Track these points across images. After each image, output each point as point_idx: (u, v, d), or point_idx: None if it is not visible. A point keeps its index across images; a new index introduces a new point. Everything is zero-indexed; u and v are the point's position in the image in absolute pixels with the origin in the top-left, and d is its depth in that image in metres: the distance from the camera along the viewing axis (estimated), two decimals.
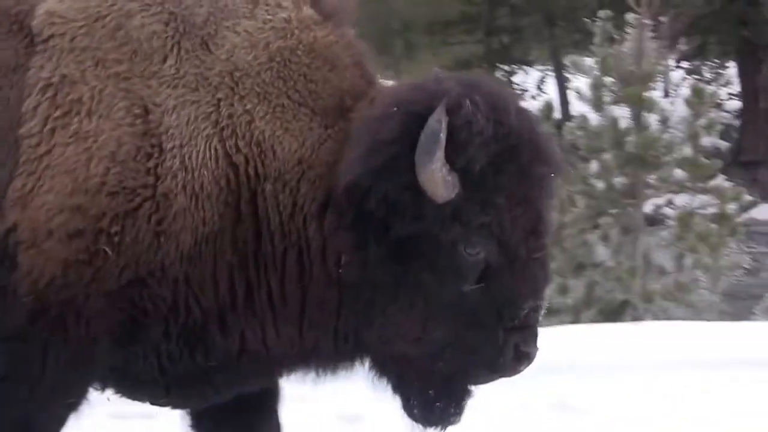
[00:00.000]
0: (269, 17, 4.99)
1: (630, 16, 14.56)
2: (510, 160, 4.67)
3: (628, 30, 14.70)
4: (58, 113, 4.74)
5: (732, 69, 34.32)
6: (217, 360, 5.00)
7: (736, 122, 32.75)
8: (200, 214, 4.73)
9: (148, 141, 4.75)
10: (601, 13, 15.41)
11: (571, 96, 25.79)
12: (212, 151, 4.75)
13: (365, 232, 4.69)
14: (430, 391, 4.94)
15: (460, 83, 4.81)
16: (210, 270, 4.76)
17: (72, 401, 4.98)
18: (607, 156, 15.81)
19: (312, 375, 5.24)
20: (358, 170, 4.60)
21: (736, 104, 33.05)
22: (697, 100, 17.59)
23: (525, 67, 35.02)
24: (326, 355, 5.14)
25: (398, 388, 5.03)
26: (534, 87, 34.04)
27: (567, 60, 21.12)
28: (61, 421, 4.98)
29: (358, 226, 4.69)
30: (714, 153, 18.32)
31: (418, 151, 4.46)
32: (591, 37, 15.43)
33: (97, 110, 4.74)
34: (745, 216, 21.09)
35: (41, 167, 4.70)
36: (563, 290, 15.70)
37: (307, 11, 5.08)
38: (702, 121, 17.41)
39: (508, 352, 4.79)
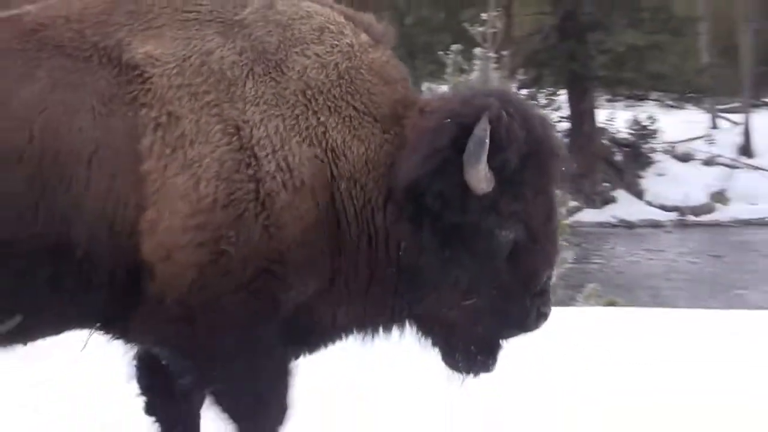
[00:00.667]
0: (336, 42, 5.37)
1: (477, 50, 15.34)
2: (534, 160, 5.15)
3: (476, 62, 15.42)
4: (168, 151, 4.99)
5: (563, 96, 37.68)
6: (310, 331, 5.54)
7: (566, 141, 34.65)
8: (300, 208, 5.08)
9: (245, 153, 5.05)
10: (454, 47, 16.16)
11: None
12: (305, 154, 5.12)
13: (421, 222, 5.11)
14: (472, 347, 5.47)
15: (498, 98, 5.24)
16: (312, 255, 5.16)
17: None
18: None
19: (365, 338, 5.69)
20: (419, 172, 4.99)
21: (565, 125, 35.90)
22: None
23: None
24: (382, 325, 5.64)
25: (445, 347, 5.55)
26: None
27: (424, 87, 22.29)
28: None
29: (416, 218, 5.12)
30: None
31: (466, 155, 4.88)
32: (444, 68, 16.30)
33: (197, 139, 5.01)
34: (571, 219, 25.14)
35: (161, 198, 4.95)
36: None
37: (364, 37, 5.52)
38: None
39: (533, 313, 5.37)
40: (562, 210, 18.33)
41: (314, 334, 5.59)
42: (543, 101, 37.22)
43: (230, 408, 5.41)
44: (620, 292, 21.32)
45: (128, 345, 5.45)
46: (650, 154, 37.91)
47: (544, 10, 38.22)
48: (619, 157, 37.92)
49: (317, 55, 5.28)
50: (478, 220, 5.06)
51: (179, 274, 4.95)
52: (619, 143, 38.03)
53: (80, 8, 5.32)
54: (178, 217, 4.89)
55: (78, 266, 5.01)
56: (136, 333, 5.25)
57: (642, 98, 37.84)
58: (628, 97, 38.10)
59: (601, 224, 34.66)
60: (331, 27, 5.49)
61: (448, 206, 5.04)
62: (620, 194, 36.40)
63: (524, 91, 36.06)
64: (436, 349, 5.60)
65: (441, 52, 15.95)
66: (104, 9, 5.31)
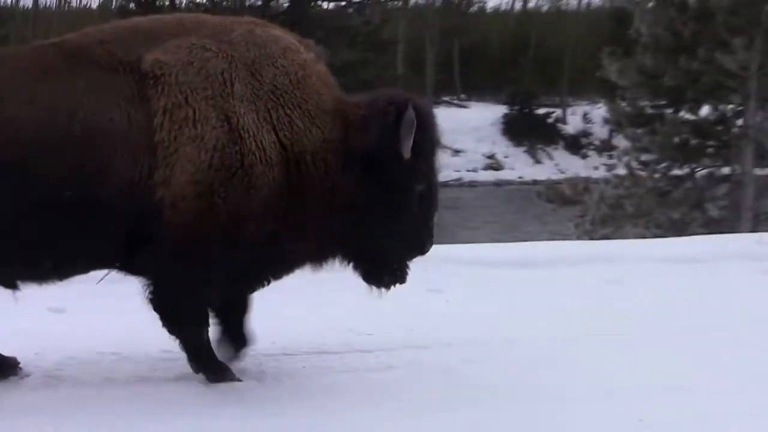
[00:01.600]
0: (295, 58, 6.66)
1: None
2: (429, 137, 6.61)
3: None
4: (176, 127, 6.27)
5: None
6: (276, 261, 6.82)
7: None
8: (271, 175, 6.41)
9: (233, 135, 6.34)
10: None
11: None
12: (273, 138, 6.42)
13: (368, 180, 6.52)
14: (394, 266, 6.96)
15: (410, 95, 6.71)
16: (279, 207, 6.42)
17: (213, 290, 6.62)
18: None
19: (311, 269, 7.00)
20: (376, 142, 6.40)
21: None
22: None
23: None
24: (327, 257, 6.95)
25: (372, 270, 6.96)
26: None
27: None
28: (207, 302, 6.74)
29: (365, 177, 6.52)
30: None
31: (401, 131, 6.32)
32: None
33: (199, 121, 6.30)
34: None
35: (173, 160, 6.26)
36: None
37: (312, 54, 6.83)
38: None
39: (428, 240, 6.96)
40: None
41: (282, 263, 6.91)
42: None
43: (188, 309, 6.64)
44: None
45: (137, 276, 6.65)
46: None
47: None
48: None
49: (283, 66, 6.68)
50: (403, 178, 6.59)
51: (181, 217, 6.30)
52: None
53: (109, 34, 6.75)
54: (184, 175, 6.26)
55: (106, 217, 6.30)
56: (146, 263, 6.47)
57: None
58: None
59: None
60: (292, 47, 6.85)
61: (387, 167, 6.55)
62: None
63: None
64: (362, 273, 7.00)
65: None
66: (128, 34, 6.76)
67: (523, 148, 50.44)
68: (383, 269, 6.93)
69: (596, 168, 33.39)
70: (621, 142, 22.13)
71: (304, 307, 8.19)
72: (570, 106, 55.63)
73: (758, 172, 18.62)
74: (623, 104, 20.10)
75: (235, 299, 7.03)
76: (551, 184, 22.58)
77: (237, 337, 7.02)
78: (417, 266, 7.02)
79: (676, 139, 18.50)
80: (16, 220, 6.16)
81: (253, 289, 7.07)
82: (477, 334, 7.80)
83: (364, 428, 5.86)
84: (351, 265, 6.96)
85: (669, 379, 6.74)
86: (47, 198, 6.13)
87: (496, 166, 47.88)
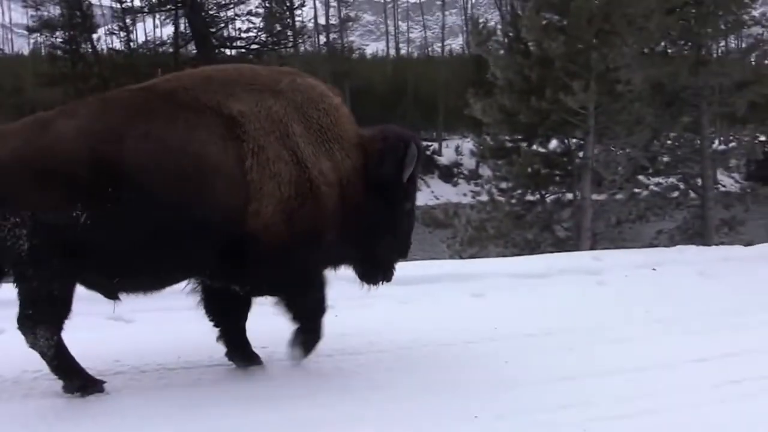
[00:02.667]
0: (331, 102, 7.13)
1: None
2: (417, 167, 7.31)
3: None
4: (261, 167, 6.59)
5: None
6: (329, 264, 7.32)
7: None
8: (334, 194, 6.90)
9: (300, 167, 6.71)
10: None
11: None
12: (329, 164, 6.84)
13: (376, 198, 7.13)
14: (387, 268, 7.62)
15: (410, 133, 7.52)
16: (335, 221, 6.89)
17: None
18: None
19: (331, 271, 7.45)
20: (391, 171, 7.11)
21: None
22: None
23: None
24: (346, 261, 7.46)
25: (369, 270, 7.58)
26: None
27: None
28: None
29: (378, 197, 7.15)
30: None
31: (406, 162, 7.11)
32: None
33: (275, 159, 6.65)
34: None
35: (261, 195, 6.58)
36: None
37: (339, 99, 7.36)
38: None
39: (408, 247, 7.73)
40: None
41: (331, 265, 7.37)
42: None
43: (296, 308, 7.15)
44: None
45: (222, 284, 6.97)
46: None
47: None
48: None
49: (324, 108, 7.11)
50: (401, 198, 7.39)
51: (271, 237, 6.66)
52: None
53: (190, 82, 6.93)
54: (270, 207, 6.63)
55: (209, 237, 6.58)
56: (238, 274, 6.79)
57: None
58: None
59: None
60: (325, 92, 7.28)
61: (391, 189, 7.25)
62: None
63: None
64: (360, 272, 7.61)
65: None
66: (204, 82, 6.93)
67: None
68: (378, 270, 7.61)
69: (465, 194, 33.38)
70: (485, 171, 22.35)
71: None
72: (445, 139, 56.77)
73: (595, 197, 19.02)
74: (487, 138, 20.31)
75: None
76: (427, 210, 22.65)
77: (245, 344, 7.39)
78: None
79: (530, 169, 18.82)
80: (137, 240, 6.31)
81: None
82: (356, 345, 7.91)
83: None
84: (352, 266, 7.57)
85: (504, 375, 7.18)
86: (163, 220, 6.32)
87: None
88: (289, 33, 53.27)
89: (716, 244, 17.50)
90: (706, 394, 6.74)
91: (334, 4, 64.46)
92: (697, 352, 7.79)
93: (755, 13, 21.44)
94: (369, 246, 7.42)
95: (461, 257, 17.68)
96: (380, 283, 7.71)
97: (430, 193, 49.20)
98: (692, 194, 20.01)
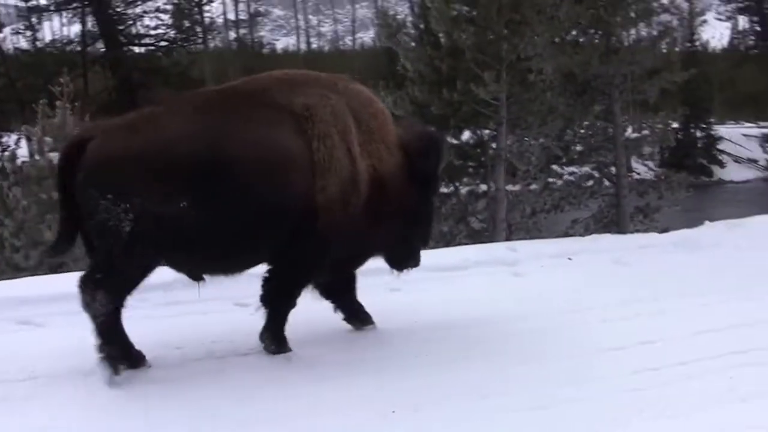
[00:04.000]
0: (378, 106, 7.97)
1: (58, 103, 15.92)
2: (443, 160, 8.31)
3: (58, 110, 15.73)
4: (325, 152, 7.38)
5: None
6: (369, 248, 8.13)
7: None
8: (367, 189, 7.58)
9: (352, 159, 7.48)
10: (41, 101, 16.52)
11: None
12: (368, 163, 7.58)
13: (416, 190, 7.97)
14: (416, 254, 8.50)
15: (437, 131, 9.15)
16: (370, 207, 7.57)
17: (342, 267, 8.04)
18: None
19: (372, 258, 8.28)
20: (434, 167, 8.05)
21: None
22: None
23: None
24: (383, 249, 8.27)
25: (400, 257, 8.43)
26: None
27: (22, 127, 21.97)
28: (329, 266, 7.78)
29: (418, 190, 8.01)
30: None
31: (440, 157, 8.14)
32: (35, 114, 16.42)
33: (336, 148, 7.45)
34: None
35: (325, 176, 7.34)
36: None
37: (381, 103, 8.18)
38: None
39: (430, 234, 8.70)
40: None
41: (371, 249, 8.17)
42: None
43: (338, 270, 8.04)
44: None
45: (277, 264, 7.62)
46: None
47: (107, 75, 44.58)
48: None
49: (371, 112, 7.93)
50: (432, 190, 8.33)
51: (331, 214, 7.41)
52: None
53: (265, 83, 7.73)
54: (334, 186, 7.41)
55: (284, 219, 7.32)
56: (297, 250, 7.47)
57: None
58: None
59: None
60: (372, 97, 8.16)
61: (431, 183, 8.20)
62: None
63: None
64: (391, 259, 8.44)
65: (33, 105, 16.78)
66: (276, 83, 7.73)
67: None
68: (409, 256, 8.45)
69: None
70: None
71: None
72: None
73: (509, 188, 19.04)
74: None
75: (348, 277, 8.42)
76: None
77: (358, 312, 8.43)
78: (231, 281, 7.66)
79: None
80: (229, 225, 7.01)
81: (356, 267, 8.35)
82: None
83: None
84: (384, 253, 8.36)
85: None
86: (250, 205, 7.03)
87: None
88: (198, 29, 53.47)
89: (631, 232, 17.79)
90: (625, 381, 6.78)
91: None
92: (615, 340, 7.83)
93: (664, 1, 21.66)
94: (403, 234, 8.19)
95: None
96: (410, 269, 8.58)
97: None
98: (606, 183, 20.16)
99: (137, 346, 7.19)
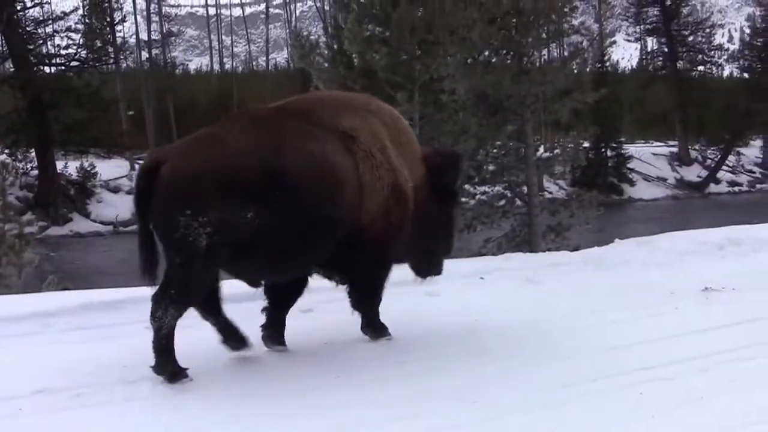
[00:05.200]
0: (403, 124, 8.73)
1: None
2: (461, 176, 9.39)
3: None
4: (369, 171, 8.01)
5: (33, 153, 43.98)
6: (404, 255, 8.77)
7: (37, 183, 42.75)
8: (411, 198, 8.31)
9: (393, 173, 8.14)
10: None
11: None
12: (407, 174, 8.28)
13: (439, 204, 8.68)
14: (439, 263, 9.16)
15: (457, 150, 10.31)
16: (410, 216, 8.31)
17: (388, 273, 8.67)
18: None
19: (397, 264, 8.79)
20: (453, 181, 8.82)
21: (36, 173, 43.19)
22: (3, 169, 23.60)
23: None
24: (405, 257, 8.84)
25: (423, 265, 9.09)
26: None
27: None
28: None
29: (439, 202, 8.69)
30: None
31: (459, 172, 8.98)
32: None
33: (378, 165, 8.09)
34: (43, 234, 33.57)
35: (370, 194, 8.00)
36: None
37: (406, 121, 9.07)
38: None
39: (453, 246, 9.26)
40: (35, 228, 24.04)
41: (406, 255, 8.79)
42: (20, 156, 43.77)
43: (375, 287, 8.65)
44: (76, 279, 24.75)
45: (327, 271, 8.45)
46: (93, 189, 44.71)
47: (17, 96, 43.63)
48: (72, 191, 43.97)
49: (401, 129, 8.70)
50: (453, 203, 9.05)
51: (376, 227, 8.12)
52: (73, 182, 44.46)
53: (311, 104, 8.31)
54: (375, 204, 8.07)
55: (336, 230, 7.91)
56: (345, 262, 8.23)
57: (85, 152, 44.87)
58: (77, 152, 44.88)
59: (63, 236, 40.81)
60: (400, 116, 8.95)
61: (451, 196, 8.93)
62: (75, 215, 43.05)
63: (6, 150, 42.89)
64: (416, 266, 9.12)
65: None
66: (320, 105, 8.34)
67: None
68: (432, 265, 9.11)
69: None
70: None
71: None
72: None
73: None
74: None
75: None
76: None
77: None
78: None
79: None
80: (287, 235, 7.50)
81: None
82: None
83: None
84: (410, 262, 9.00)
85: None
86: (307, 217, 7.55)
87: None
88: (110, 49, 52.24)
89: (543, 251, 17.90)
90: (537, 397, 6.85)
91: (156, 19, 63.41)
92: (527, 358, 7.92)
93: (575, 22, 22.01)
94: (427, 243, 8.84)
95: None
96: (431, 276, 9.24)
97: None
98: (518, 202, 20.34)
99: (46, 374, 7.18)
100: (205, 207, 7.12)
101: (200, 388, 7.26)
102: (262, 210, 7.31)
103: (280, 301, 8.46)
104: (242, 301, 8.64)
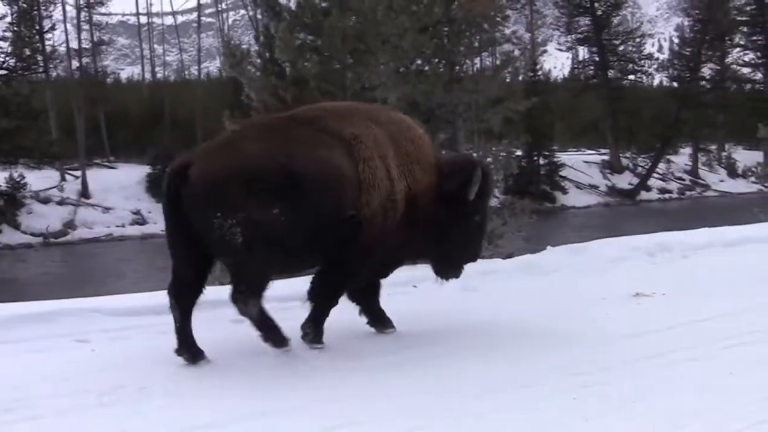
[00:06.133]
0: (416, 132, 9.20)
1: None
2: (488, 187, 9.32)
3: None
4: (369, 172, 8.53)
5: None
6: (401, 256, 9.34)
7: None
8: (403, 205, 8.75)
9: (390, 179, 8.64)
10: None
11: None
12: (405, 183, 8.74)
13: (449, 210, 9.00)
14: (458, 266, 9.62)
15: (478, 160, 9.99)
16: (405, 224, 8.74)
17: (378, 272, 9.26)
18: None
19: (409, 264, 9.86)
20: (456, 189, 8.95)
21: None
22: None
23: None
24: (419, 257, 9.60)
25: (443, 267, 9.59)
26: None
27: None
28: (381, 272, 9.32)
29: (448, 208, 9.01)
30: None
31: (472, 182, 8.95)
32: None
33: (377, 168, 8.61)
34: None
35: (369, 192, 8.50)
36: None
37: (421, 129, 9.49)
38: None
39: (479, 252, 9.83)
40: None
41: (403, 257, 9.39)
42: None
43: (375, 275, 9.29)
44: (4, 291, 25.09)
45: (324, 265, 8.86)
46: (23, 200, 44.23)
47: None
48: (2, 202, 43.24)
49: (410, 138, 9.13)
50: (469, 211, 9.21)
51: (374, 223, 8.60)
52: (1, 193, 43.77)
53: (320, 113, 8.97)
54: (375, 201, 8.57)
55: (335, 227, 8.43)
56: (342, 255, 8.65)
57: (14, 162, 44.30)
58: (5, 162, 44.13)
59: None
60: (412, 125, 9.39)
61: (460, 203, 9.09)
62: (4, 227, 42.62)
63: None
64: (435, 268, 9.64)
65: None
66: (327, 113, 8.98)
67: None
68: (450, 268, 9.59)
69: None
70: None
71: None
72: None
73: None
74: None
75: (374, 283, 9.44)
76: None
77: (378, 313, 9.40)
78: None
79: None
80: (299, 230, 8.13)
81: (385, 276, 9.52)
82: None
83: None
84: (430, 263, 9.58)
85: None
86: (316, 215, 8.23)
87: (141, 221, 47.51)
88: (40, 58, 51.61)
89: None
90: (470, 405, 6.86)
91: (86, 27, 62.40)
92: (461, 366, 7.98)
93: (507, 31, 22.15)
94: (441, 248, 9.31)
95: (222, 283, 16.98)
96: (451, 278, 9.73)
97: None
98: None
99: None
100: (233, 208, 7.88)
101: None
102: (279, 209, 8.01)
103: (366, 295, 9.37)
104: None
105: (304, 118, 8.83)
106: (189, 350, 8.16)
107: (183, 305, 8.22)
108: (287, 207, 8.04)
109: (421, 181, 8.98)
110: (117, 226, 46.77)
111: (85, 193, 48.16)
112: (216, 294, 8.90)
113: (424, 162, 9.09)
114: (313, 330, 8.76)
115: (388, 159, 8.78)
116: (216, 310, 9.16)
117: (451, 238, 9.22)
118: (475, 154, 21.49)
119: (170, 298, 8.23)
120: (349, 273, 8.91)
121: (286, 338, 8.36)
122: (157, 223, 47.57)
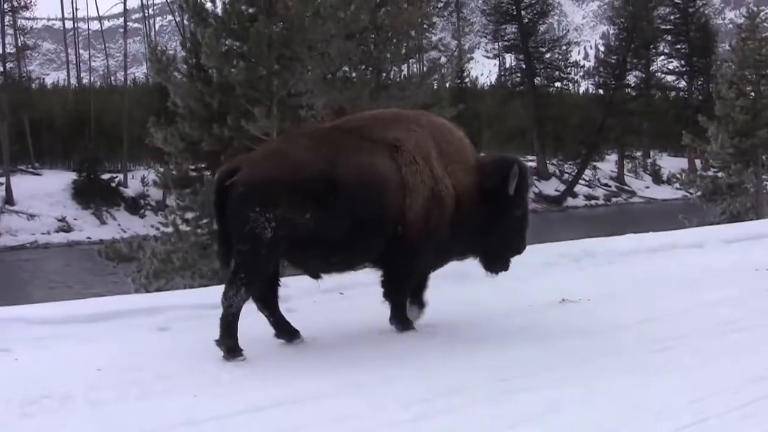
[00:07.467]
0: (456, 134, 9.68)
1: None
2: (525, 182, 9.65)
3: None
4: (411, 176, 9.06)
5: None
6: (446, 253, 9.77)
7: None
8: (450, 203, 9.24)
9: (435, 180, 9.14)
10: None
11: None
12: (449, 182, 9.22)
13: (492, 206, 9.40)
14: (505, 260, 10.00)
15: (516, 158, 10.08)
16: (451, 222, 9.25)
17: (425, 270, 9.82)
18: None
19: (457, 260, 10.09)
20: (496, 185, 9.35)
21: None
22: None
23: None
24: (467, 254, 9.98)
25: (491, 262, 9.99)
26: None
27: None
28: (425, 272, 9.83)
29: (490, 205, 9.43)
30: None
31: (510, 178, 9.34)
32: None
33: (420, 172, 9.11)
34: None
35: (413, 194, 9.02)
36: None
37: (461, 132, 9.94)
38: None
39: (523, 245, 10.02)
40: None
41: (449, 255, 9.85)
42: None
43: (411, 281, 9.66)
44: None
45: (377, 266, 9.54)
46: None
47: None
48: None
49: (450, 140, 9.64)
50: (510, 206, 9.63)
51: (417, 225, 9.12)
52: None
53: (363, 122, 9.58)
54: (418, 203, 9.09)
55: (385, 228, 9.06)
56: (393, 255, 9.21)
57: None
58: None
59: None
60: (452, 128, 9.89)
61: (502, 200, 9.50)
62: None
63: None
64: (483, 263, 10.03)
65: None
66: (371, 121, 9.58)
67: (90, 211, 50.35)
68: (496, 262, 9.98)
69: (153, 226, 32.80)
70: (173, 201, 21.93)
71: None
72: (130, 170, 55.77)
73: None
74: (170, 168, 20.01)
75: (424, 278, 9.89)
76: (109, 243, 21.93)
77: (421, 302, 9.82)
78: None
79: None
80: (342, 233, 8.78)
81: (435, 270, 9.96)
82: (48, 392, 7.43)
83: None
84: (477, 258, 9.98)
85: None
86: (359, 218, 8.82)
87: (66, 229, 47.25)
88: None
89: None
90: (394, 416, 6.82)
91: (10, 32, 61.66)
92: (386, 373, 7.98)
93: (433, 38, 22.32)
94: (487, 243, 9.76)
95: (147, 291, 17.26)
96: (499, 272, 10.09)
97: (117, 226, 48.84)
98: None
99: None
100: (271, 206, 8.46)
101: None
102: (319, 210, 8.63)
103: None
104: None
105: (348, 127, 9.50)
106: (286, 334, 9.11)
107: (261, 300, 9.03)
108: (324, 210, 8.65)
109: (464, 181, 9.45)
110: (42, 233, 46.50)
111: (9, 199, 47.79)
112: (140, 299, 8.73)
113: (466, 163, 9.59)
114: (398, 321, 9.53)
115: (431, 159, 9.29)
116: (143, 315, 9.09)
117: (495, 233, 9.66)
118: None
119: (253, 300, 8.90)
120: (403, 271, 9.46)
121: (234, 349, 8.46)
122: (82, 230, 48.22)
